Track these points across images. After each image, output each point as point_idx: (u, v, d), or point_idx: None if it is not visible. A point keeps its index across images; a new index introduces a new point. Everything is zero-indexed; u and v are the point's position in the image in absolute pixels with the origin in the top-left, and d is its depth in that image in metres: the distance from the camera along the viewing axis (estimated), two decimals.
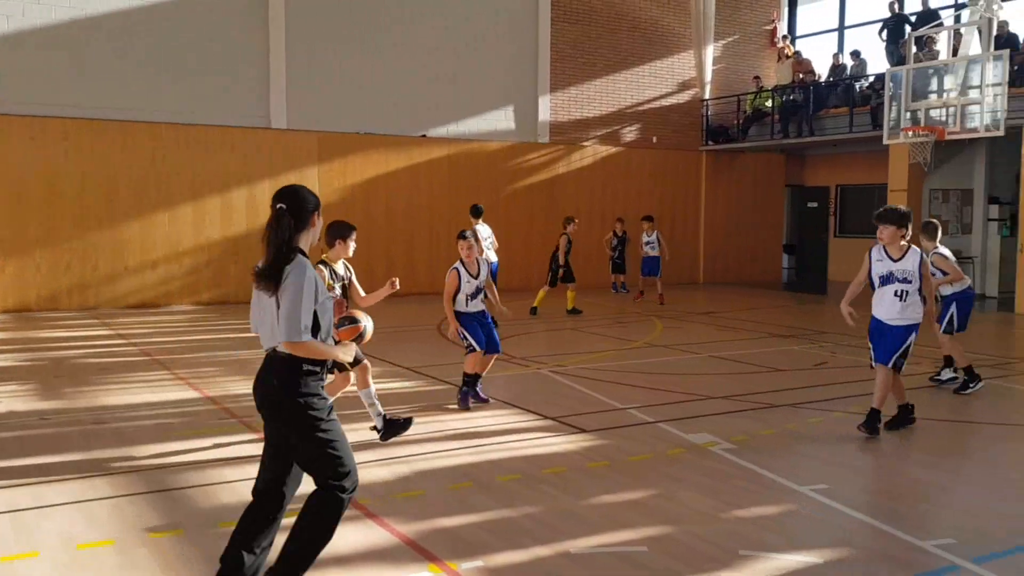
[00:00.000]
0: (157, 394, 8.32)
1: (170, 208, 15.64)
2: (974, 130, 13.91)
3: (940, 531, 4.85)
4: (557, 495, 5.40)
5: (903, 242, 6.73)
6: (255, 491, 3.89)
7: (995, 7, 14.18)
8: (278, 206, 3.75)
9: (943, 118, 14.36)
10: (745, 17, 22.01)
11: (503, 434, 6.88)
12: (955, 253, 9.00)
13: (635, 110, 20.57)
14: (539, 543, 4.65)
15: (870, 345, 6.91)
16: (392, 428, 6.49)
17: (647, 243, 16.32)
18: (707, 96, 21.19)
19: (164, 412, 7.55)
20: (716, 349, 11.03)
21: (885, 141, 15.14)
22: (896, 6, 19.90)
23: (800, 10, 25.12)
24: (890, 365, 6.71)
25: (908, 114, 14.40)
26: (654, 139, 20.74)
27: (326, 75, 16.89)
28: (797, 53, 21.83)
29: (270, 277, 3.68)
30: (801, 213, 23.47)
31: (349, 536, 4.57)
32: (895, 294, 6.70)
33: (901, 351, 6.72)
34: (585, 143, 19.83)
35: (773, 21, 22.41)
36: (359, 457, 6.12)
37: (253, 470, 4.04)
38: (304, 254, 3.81)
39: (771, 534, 4.81)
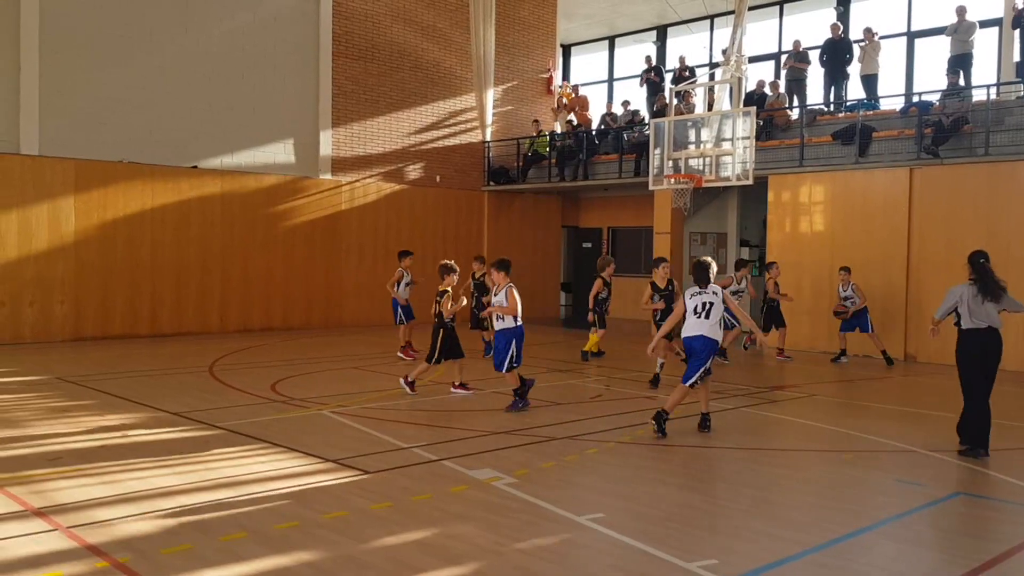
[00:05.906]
0: None
1: None
2: (727, 179, 15.12)
3: (705, 552, 5.12)
4: (338, 540, 5.19)
5: None
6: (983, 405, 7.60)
7: (744, 67, 15.64)
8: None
9: (700, 167, 15.50)
10: (523, 64, 22.90)
11: (280, 479, 6.55)
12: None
13: (418, 148, 20.72)
14: None
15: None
16: None
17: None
18: (488, 138, 21.77)
19: None
20: (499, 385, 11.20)
21: (650, 187, 16.14)
22: (654, 59, 21.53)
23: (574, 60, 26.61)
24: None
25: (670, 162, 15.40)
26: (438, 178, 20.97)
27: (85, 98, 15.62)
28: (575, 87, 22.99)
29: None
30: (577, 253, 24.57)
31: None
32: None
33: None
34: (368, 179, 19.69)
35: (549, 69, 23.50)
36: (117, 511, 5.62)
37: None
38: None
39: (551, 565, 4.88)
